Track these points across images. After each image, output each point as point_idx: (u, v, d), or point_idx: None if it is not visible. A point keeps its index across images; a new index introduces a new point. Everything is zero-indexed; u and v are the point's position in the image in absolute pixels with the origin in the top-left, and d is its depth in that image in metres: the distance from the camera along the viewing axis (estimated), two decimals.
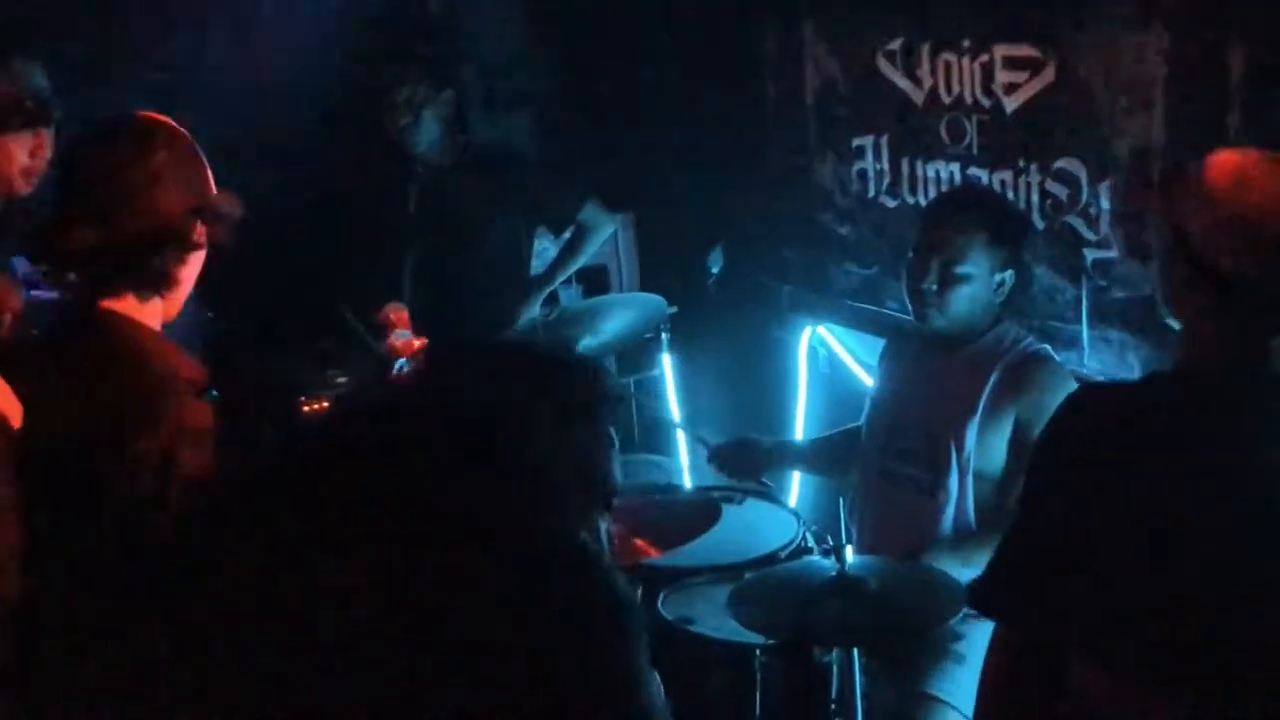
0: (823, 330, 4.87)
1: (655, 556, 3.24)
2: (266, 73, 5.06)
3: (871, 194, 4.52)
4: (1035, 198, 3.86)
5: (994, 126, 3.96)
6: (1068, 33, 3.68)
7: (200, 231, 2.47)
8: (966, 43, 4.00)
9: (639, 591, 3.20)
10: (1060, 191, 3.78)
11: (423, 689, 1.52)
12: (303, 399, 4.25)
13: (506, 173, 4.66)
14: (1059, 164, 3.77)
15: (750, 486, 3.85)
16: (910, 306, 3.47)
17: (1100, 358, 3.76)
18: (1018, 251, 3.47)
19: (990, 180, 3.98)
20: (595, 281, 5.40)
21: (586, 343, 4.35)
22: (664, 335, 5.05)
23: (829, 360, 4.86)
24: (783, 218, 4.99)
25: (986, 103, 3.97)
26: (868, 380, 4.16)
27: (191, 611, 1.75)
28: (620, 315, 4.51)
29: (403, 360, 3.51)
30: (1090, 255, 3.74)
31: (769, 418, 4.91)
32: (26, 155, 3.13)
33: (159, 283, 2.45)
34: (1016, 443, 3.31)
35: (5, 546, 2.21)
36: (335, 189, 5.07)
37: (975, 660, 2.59)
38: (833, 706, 3.13)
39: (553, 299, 4.94)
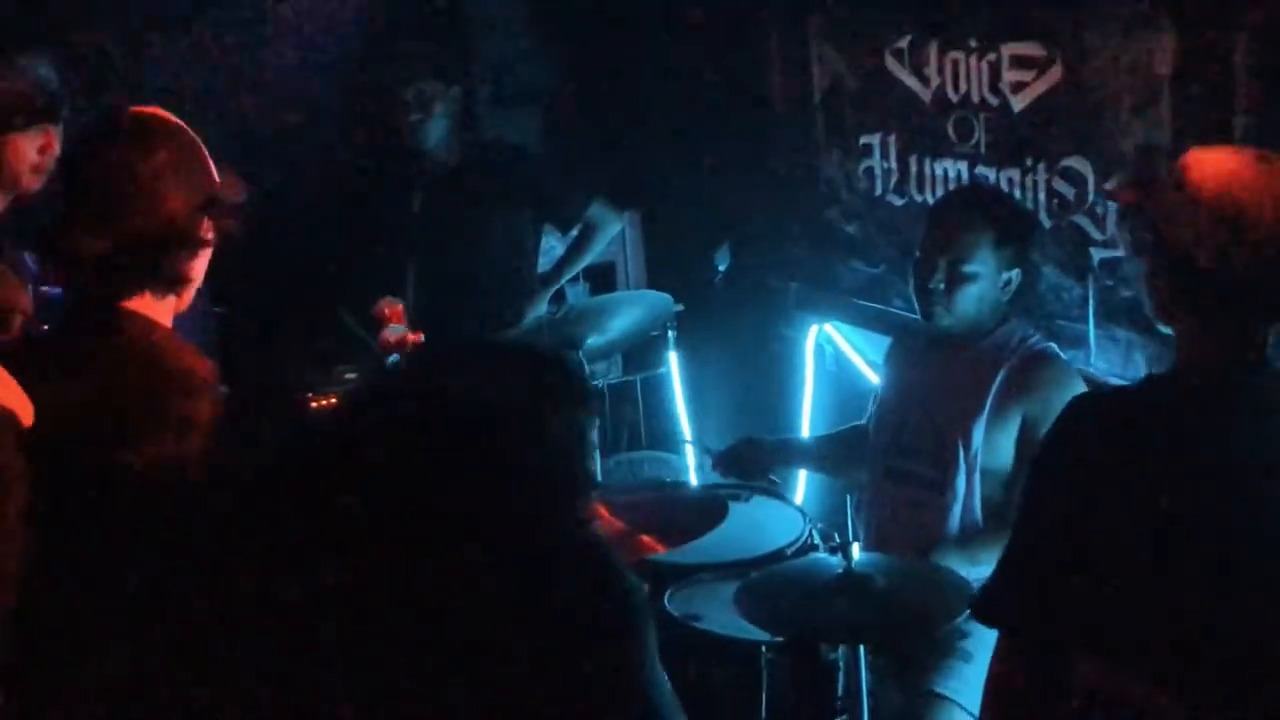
0: (829, 328, 4.87)
1: (662, 553, 3.24)
2: (267, 73, 5.06)
3: (878, 192, 4.52)
4: (1042, 196, 3.86)
5: (1001, 125, 3.97)
6: (1075, 32, 3.68)
7: (207, 226, 2.48)
8: (974, 41, 4.00)
9: (645, 589, 3.21)
10: (1067, 190, 3.78)
11: (423, 688, 1.53)
12: (310, 395, 4.26)
13: (513, 170, 4.66)
14: (1066, 163, 3.77)
15: (758, 484, 3.85)
16: (917, 305, 3.47)
17: (1107, 357, 3.76)
18: (1024, 250, 3.47)
19: (997, 179, 3.98)
20: (602, 279, 5.40)
21: (593, 340, 4.35)
22: (670, 333, 5.05)
23: (835, 358, 4.86)
24: (789, 216, 4.99)
25: (994, 101, 3.97)
26: (874, 378, 4.16)
27: (193, 611, 1.76)
28: (627, 313, 4.50)
29: (396, 355, 3.50)
30: (1097, 254, 3.74)
31: (775, 415, 4.91)
32: (35, 152, 3.14)
33: (173, 281, 2.46)
34: (1024, 441, 3.31)
35: (13, 545, 2.22)
36: (341, 188, 5.08)
37: (982, 658, 2.59)
38: (839, 704, 3.13)
39: (560, 296, 4.95)
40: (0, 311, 2.36)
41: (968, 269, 3.36)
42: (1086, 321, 3.80)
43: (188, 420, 2.33)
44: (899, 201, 4.44)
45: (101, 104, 3.12)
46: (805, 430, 4.83)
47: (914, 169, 4.34)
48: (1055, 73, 3.75)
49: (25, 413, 2.28)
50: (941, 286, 3.37)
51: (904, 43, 4.27)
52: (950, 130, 4.14)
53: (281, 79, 5.06)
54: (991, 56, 3.95)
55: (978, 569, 3.04)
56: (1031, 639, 2.26)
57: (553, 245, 4.96)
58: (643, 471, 4.95)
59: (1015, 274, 3.42)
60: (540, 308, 4.73)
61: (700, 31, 5.25)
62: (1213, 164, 2.19)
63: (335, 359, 4.36)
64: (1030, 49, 3.82)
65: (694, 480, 4.73)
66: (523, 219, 4.70)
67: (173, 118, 2.51)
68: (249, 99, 4.90)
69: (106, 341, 2.43)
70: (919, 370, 3.59)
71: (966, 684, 3.14)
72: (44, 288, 3.08)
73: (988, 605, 2.32)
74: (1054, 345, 3.49)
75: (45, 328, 2.61)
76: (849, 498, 3.10)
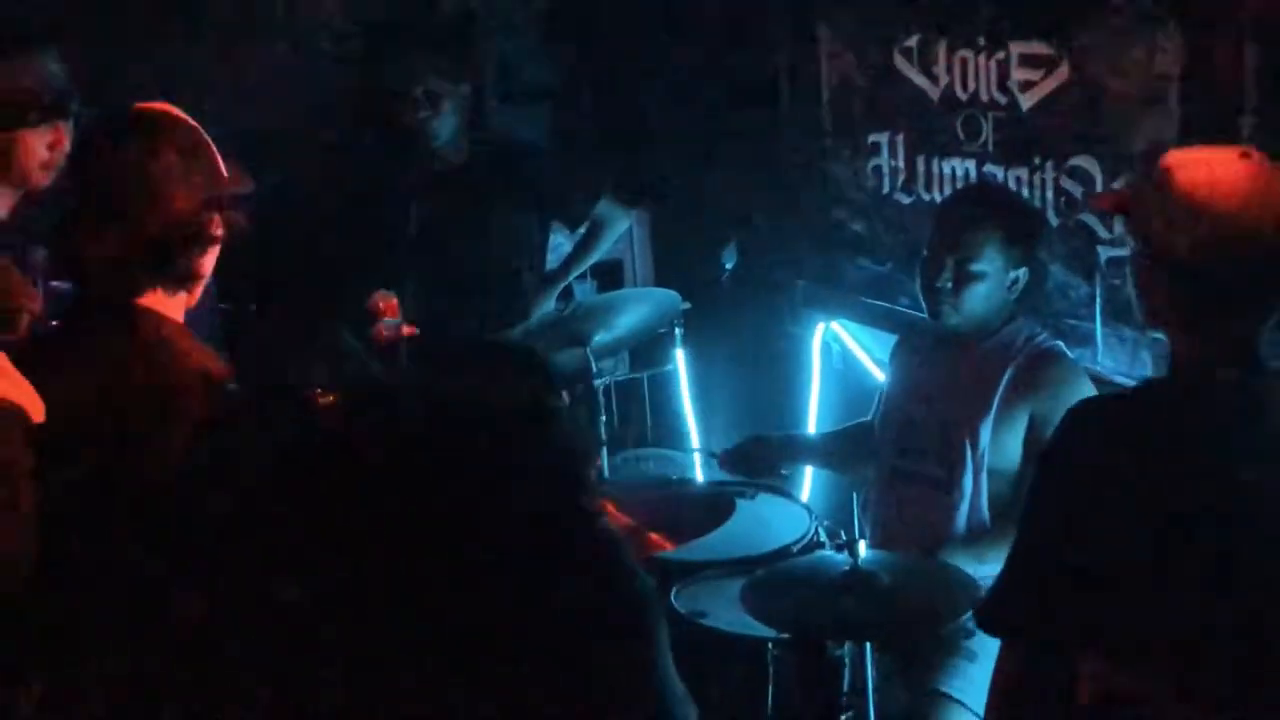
0: (836, 326, 4.87)
1: (668, 550, 3.25)
2: (269, 73, 5.06)
3: (886, 190, 4.52)
4: (1050, 195, 3.86)
5: (1009, 124, 3.97)
6: (1083, 31, 3.68)
7: (217, 222, 2.49)
8: (982, 40, 4.00)
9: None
10: (1075, 189, 3.78)
11: (423, 688, 1.53)
12: (319, 392, 4.25)
13: (521, 168, 4.66)
14: (1074, 161, 3.77)
15: (764, 481, 3.86)
16: (925, 304, 3.47)
17: (1113, 355, 3.76)
18: (1032, 249, 3.47)
19: (1005, 178, 3.98)
20: (609, 277, 5.40)
21: (600, 337, 4.35)
22: (678, 330, 5.05)
23: (842, 356, 4.86)
24: (797, 214, 4.99)
25: (1002, 100, 3.97)
26: (880, 376, 4.16)
27: (193, 611, 1.77)
28: (634, 310, 4.50)
29: (391, 348, 3.51)
30: (1104, 253, 3.74)
31: (782, 413, 4.91)
32: (45, 149, 3.14)
33: (184, 278, 2.47)
34: (1031, 440, 3.32)
35: (25, 541, 2.22)
36: (347, 186, 5.07)
37: (987, 658, 2.59)
38: (844, 701, 3.14)
39: (567, 294, 4.95)
40: (9, 311, 2.37)
41: (975, 268, 3.36)
42: (1094, 320, 3.80)
43: (196, 418, 2.34)
44: (906, 200, 4.44)
45: (107, 102, 3.12)
46: (811, 428, 4.83)
47: (922, 167, 4.34)
48: (1063, 72, 3.75)
49: (35, 409, 2.29)
50: (949, 285, 3.37)
51: (912, 41, 4.28)
52: (958, 129, 4.14)
53: (285, 77, 5.06)
54: (1000, 55, 3.95)
55: (985, 567, 3.05)
56: (1036, 641, 2.26)
57: (560, 243, 4.97)
58: (649, 469, 4.95)
59: (1023, 273, 3.42)
60: (548, 305, 4.73)
61: (708, 29, 5.25)
62: (1192, 164, 2.18)
63: (339, 357, 4.36)
64: (1038, 48, 3.82)
65: (700, 477, 4.73)
66: (530, 217, 4.71)
67: (182, 114, 2.52)
68: (252, 96, 4.90)
69: (117, 339, 2.43)
70: (925, 369, 3.59)
71: (971, 683, 3.14)
72: (54, 283, 3.09)
73: (992, 614, 2.32)
74: (1061, 343, 3.49)
75: (55, 323, 2.61)
76: (855, 495, 3.11)
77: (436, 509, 1.65)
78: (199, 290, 2.54)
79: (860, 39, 4.55)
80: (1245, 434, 2.14)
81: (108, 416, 2.35)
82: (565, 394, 4.40)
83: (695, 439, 5.14)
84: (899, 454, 3.56)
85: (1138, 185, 2.27)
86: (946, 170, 4.23)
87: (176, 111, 2.52)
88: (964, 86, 4.10)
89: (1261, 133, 3.19)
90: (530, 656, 1.61)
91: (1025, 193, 3.90)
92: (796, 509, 3.74)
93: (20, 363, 2.32)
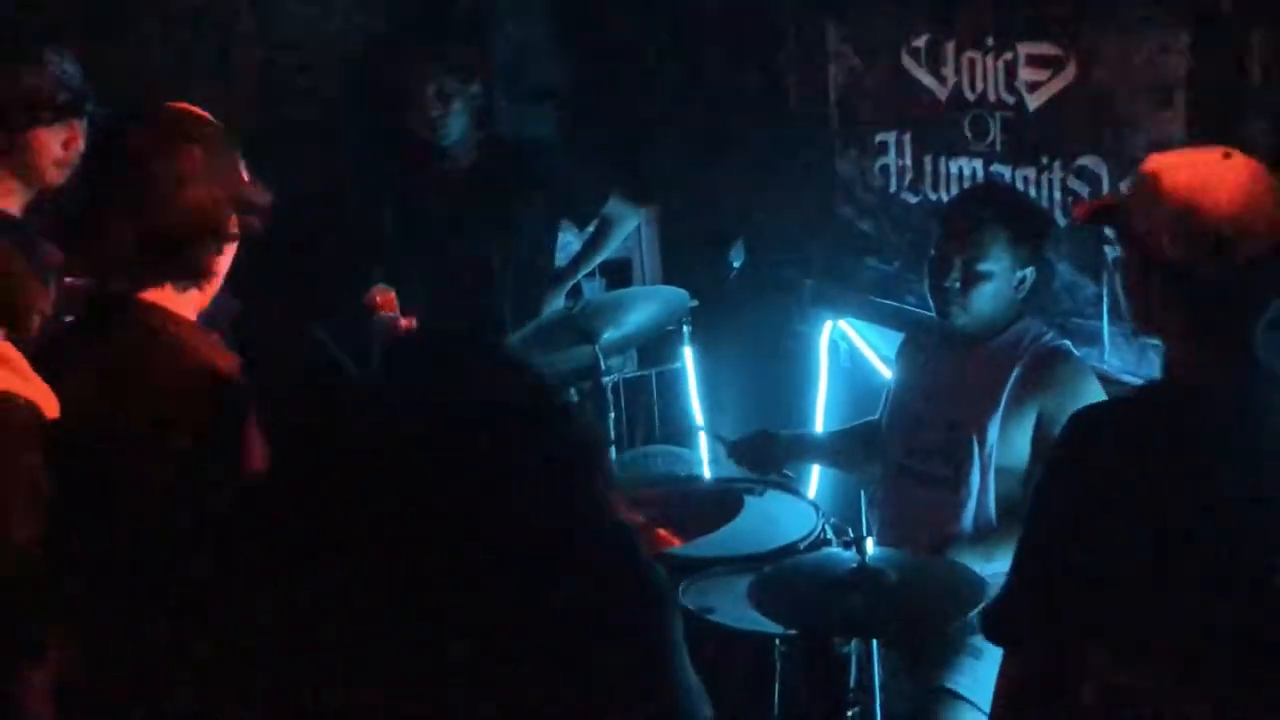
0: (843, 324, 4.88)
1: (676, 546, 3.26)
2: (270, 72, 5.07)
3: (893, 190, 4.53)
4: (1057, 195, 3.87)
5: (1017, 124, 3.97)
6: (1090, 31, 3.69)
7: (234, 222, 2.50)
8: (990, 40, 4.01)
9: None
10: (1082, 189, 3.79)
11: (423, 688, 1.53)
12: (328, 387, 4.26)
13: (531, 166, 4.67)
14: (1081, 161, 3.78)
15: (771, 478, 3.87)
16: (932, 303, 3.49)
17: (1121, 354, 3.77)
18: (1039, 249, 3.48)
19: (1012, 177, 3.99)
20: (618, 274, 5.41)
21: (609, 335, 4.36)
22: (686, 328, 5.06)
23: (850, 354, 4.87)
24: (804, 212, 5.00)
25: (1009, 100, 3.98)
26: (888, 374, 4.17)
27: (193, 610, 1.78)
28: (643, 308, 4.51)
29: (388, 342, 3.51)
30: (1111, 252, 3.74)
31: (789, 411, 4.92)
32: (59, 147, 3.16)
33: (197, 276, 2.47)
34: (1039, 438, 3.33)
35: (31, 537, 2.24)
36: (358, 184, 5.08)
37: (993, 655, 2.60)
38: (851, 697, 3.15)
39: (576, 291, 4.96)
40: (21, 311, 2.38)
41: (983, 267, 3.37)
42: (1101, 319, 3.81)
43: (202, 415, 2.35)
44: (914, 199, 4.45)
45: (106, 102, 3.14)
46: (819, 426, 4.84)
47: (929, 167, 4.35)
48: (1070, 72, 3.76)
49: (49, 405, 2.31)
50: (957, 285, 3.39)
51: (921, 41, 4.28)
52: (966, 129, 4.15)
53: (289, 76, 5.07)
54: (1007, 56, 3.96)
55: (992, 565, 3.06)
56: (1041, 641, 2.27)
57: (570, 241, 4.98)
58: (657, 466, 4.95)
59: (1030, 272, 3.43)
60: (557, 302, 4.74)
61: (716, 28, 5.26)
62: (1177, 167, 2.19)
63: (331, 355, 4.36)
64: (1046, 48, 3.83)
65: (708, 474, 4.74)
66: (539, 215, 4.72)
67: (203, 113, 2.54)
68: (259, 95, 4.91)
69: (123, 335, 2.44)
70: (932, 368, 3.60)
71: (978, 681, 3.15)
72: (68, 280, 3.10)
73: (997, 622, 2.34)
74: (1068, 342, 3.50)
75: (69, 319, 2.63)
76: (863, 492, 3.11)
77: (437, 509, 1.65)
78: (212, 289, 2.55)
79: (868, 39, 4.56)
80: (1243, 434, 2.15)
81: (111, 413, 2.36)
82: (573, 391, 4.43)
83: (703, 437, 5.14)
84: (906, 452, 3.57)
85: (1123, 192, 2.27)
86: (954, 170, 4.24)
87: (198, 111, 2.54)
88: (972, 86, 4.11)
89: (1268, 135, 3.20)
90: (532, 656, 1.61)
91: (1032, 192, 3.91)
92: (804, 506, 3.75)
93: (35, 361, 2.34)
